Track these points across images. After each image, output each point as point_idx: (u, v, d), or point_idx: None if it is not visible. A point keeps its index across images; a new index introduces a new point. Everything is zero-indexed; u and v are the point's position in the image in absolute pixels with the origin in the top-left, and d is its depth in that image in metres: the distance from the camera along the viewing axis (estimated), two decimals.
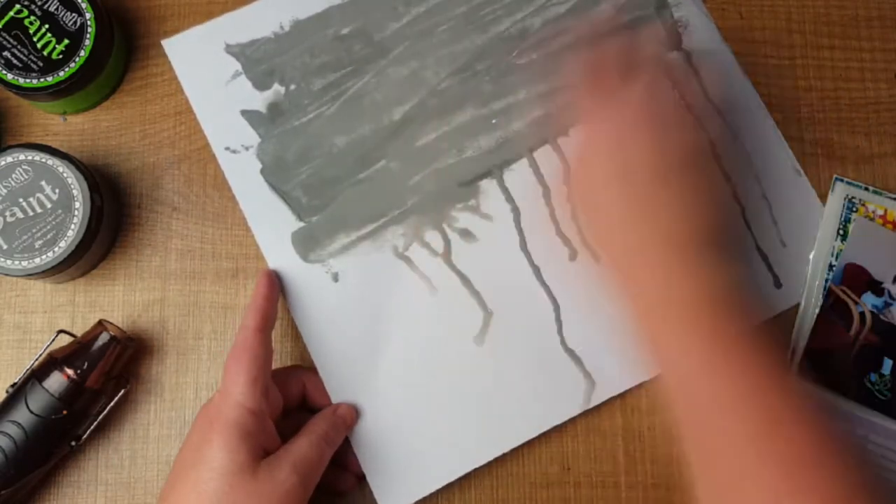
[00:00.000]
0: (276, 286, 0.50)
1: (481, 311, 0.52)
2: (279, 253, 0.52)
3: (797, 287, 0.54)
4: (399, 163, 0.54)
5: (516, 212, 0.53)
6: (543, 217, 0.53)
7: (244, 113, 0.54)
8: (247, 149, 0.53)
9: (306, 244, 0.52)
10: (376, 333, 0.50)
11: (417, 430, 0.50)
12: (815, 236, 0.54)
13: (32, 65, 0.50)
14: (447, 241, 0.53)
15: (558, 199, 0.53)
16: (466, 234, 0.53)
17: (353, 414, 0.49)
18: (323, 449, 0.46)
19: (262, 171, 0.53)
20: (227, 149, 0.53)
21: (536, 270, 0.53)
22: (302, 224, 0.52)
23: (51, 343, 0.50)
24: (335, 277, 0.51)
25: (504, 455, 0.50)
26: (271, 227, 0.52)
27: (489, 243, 0.53)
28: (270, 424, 0.45)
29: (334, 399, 0.50)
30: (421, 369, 0.51)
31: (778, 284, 0.54)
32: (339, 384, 0.50)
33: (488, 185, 0.54)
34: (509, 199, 0.53)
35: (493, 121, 0.54)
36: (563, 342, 0.52)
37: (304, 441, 0.45)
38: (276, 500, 0.42)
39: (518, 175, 0.54)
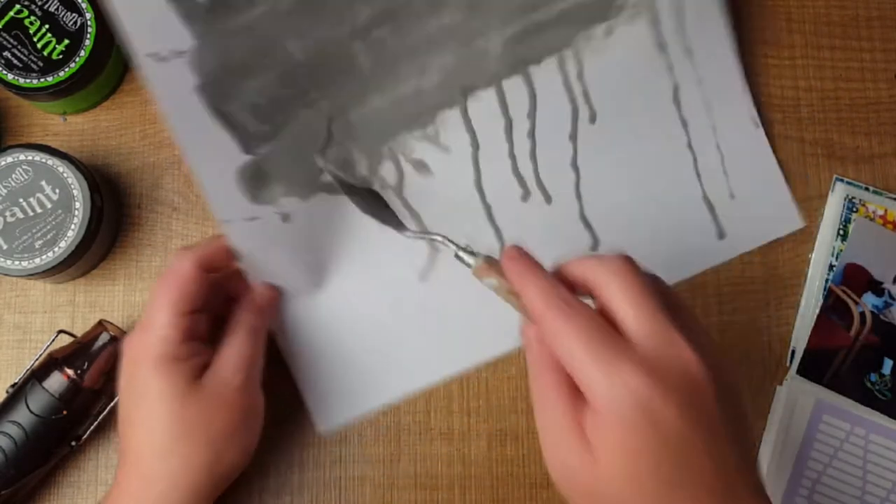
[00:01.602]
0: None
1: (428, 247, 0.50)
2: (223, 193, 0.43)
3: (740, 239, 0.53)
4: (359, 79, 0.47)
5: (475, 146, 0.51)
6: (502, 152, 0.51)
7: (175, 3, 0.40)
8: (179, 55, 0.40)
9: (255, 182, 0.45)
10: (324, 267, 0.48)
11: (356, 350, 0.49)
12: (767, 191, 0.53)
13: (32, 65, 0.50)
14: (401, 174, 0.50)
15: (520, 133, 0.51)
16: (421, 166, 0.51)
17: (272, 293, 0.47)
18: (254, 340, 0.45)
19: (199, 88, 0.41)
20: (151, 55, 0.39)
21: (488, 209, 0.51)
22: (249, 157, 0.44)
23: (51, 343, 0.50)
24: (285, 218, 0.47)
25: (504, 455, 0.50)
26: (211, 160, 0.43)
27: (444, 178, 0.51)
28: (199, 345, 0.44)
29: (280, 318, 0.48)
30: (363, 299, 0.50)
31: (721, 235, 0.53)
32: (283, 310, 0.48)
33: (450, 114, 0.50)
34: (469, 129, 0.50)
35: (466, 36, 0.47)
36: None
37: (234, 340, 0.45)
38: (230, 403, 0.43)
39: (483, 104, 0.50)
